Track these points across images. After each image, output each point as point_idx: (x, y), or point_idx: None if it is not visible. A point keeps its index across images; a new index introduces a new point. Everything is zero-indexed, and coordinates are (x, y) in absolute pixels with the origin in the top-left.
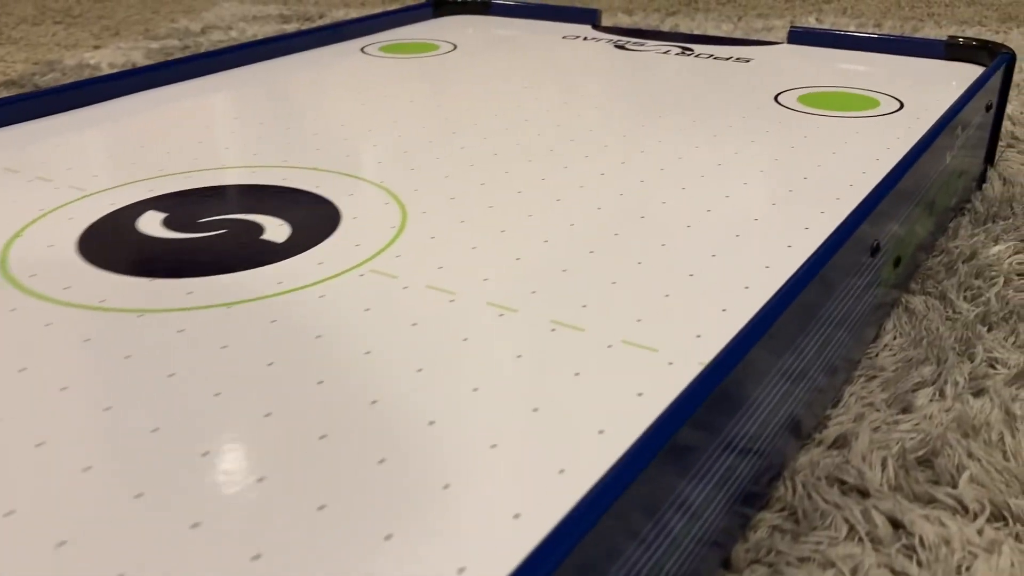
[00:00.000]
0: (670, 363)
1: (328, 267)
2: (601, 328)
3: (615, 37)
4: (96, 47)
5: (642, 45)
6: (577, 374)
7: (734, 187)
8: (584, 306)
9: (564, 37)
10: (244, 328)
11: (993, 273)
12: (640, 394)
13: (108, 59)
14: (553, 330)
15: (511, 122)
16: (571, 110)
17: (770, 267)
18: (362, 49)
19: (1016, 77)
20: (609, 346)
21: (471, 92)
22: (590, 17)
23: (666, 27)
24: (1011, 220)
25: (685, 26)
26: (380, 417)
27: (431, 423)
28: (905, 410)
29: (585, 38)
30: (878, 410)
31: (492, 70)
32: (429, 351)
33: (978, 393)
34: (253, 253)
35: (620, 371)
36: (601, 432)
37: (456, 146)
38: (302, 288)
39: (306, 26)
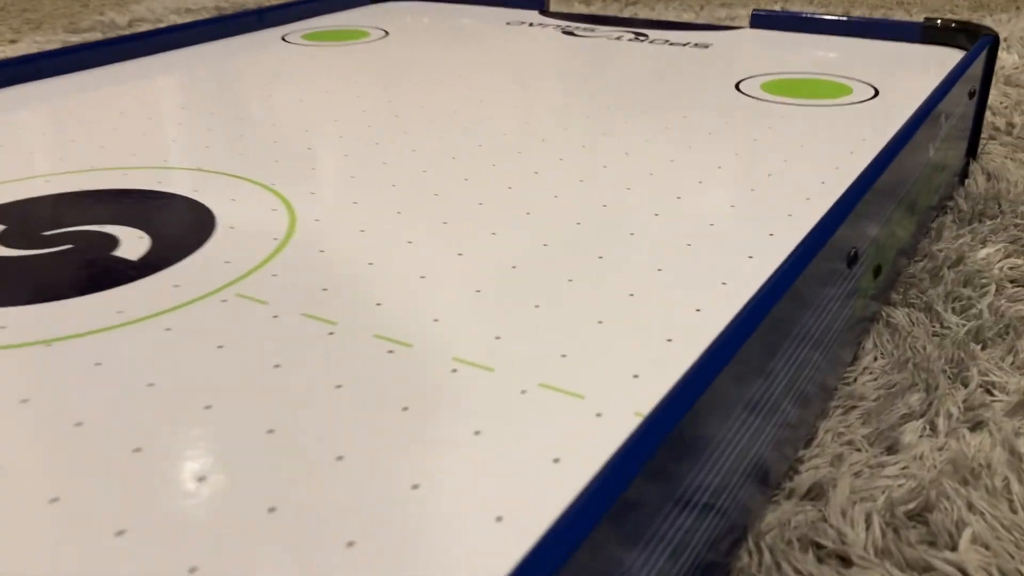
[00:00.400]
0: (598, 414)
1: (185, 291)
2: (515, 367)
3: (563, 23)
4: (12, 41)
5: (592, 31)
6: (477, 433)
7: (688, 186)
8: (497, 338)
9: (508, 23)
10: (59, 373)
11: (983, 280)
12: (556, 460)
13: (21, 53)
14: (454, 371)
15: (437, 114)
16: (507, 101)
17: (727, 283)
18: (283, 37)
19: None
20: (523, 392)
21: (396, 82)
22: (537, 3)
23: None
24: (999, 219)
25: (644, 15)
26: (210, 493)
27: (271, 510)
28: (891, 449)
29: (531, 24)
30: (859, 449)
31: (423, 58)
32: (289, 403)
33: (975, 427)
34: (97, 273)
35: (533, 428)
36: (499, 519)
37: (370, 142)
38: (145, 319)
39: None
